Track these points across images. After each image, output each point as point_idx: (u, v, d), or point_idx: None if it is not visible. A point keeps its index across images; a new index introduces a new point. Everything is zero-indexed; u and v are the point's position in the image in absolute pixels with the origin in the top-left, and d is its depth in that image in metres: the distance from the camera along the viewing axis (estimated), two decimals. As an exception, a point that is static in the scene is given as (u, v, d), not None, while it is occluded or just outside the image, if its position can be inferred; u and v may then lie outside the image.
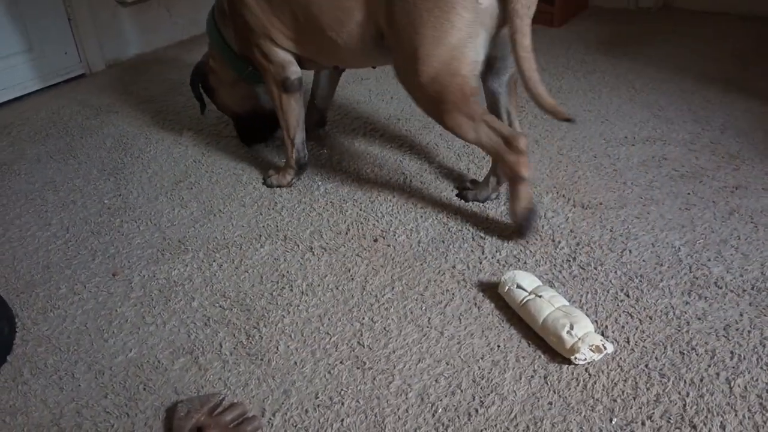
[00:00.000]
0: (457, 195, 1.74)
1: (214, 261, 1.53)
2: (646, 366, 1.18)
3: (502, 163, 1.49)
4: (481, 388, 1.16)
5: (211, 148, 2.07)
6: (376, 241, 1.58)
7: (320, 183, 1.84)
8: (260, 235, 1.62)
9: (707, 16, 3.05)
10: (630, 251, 1.49)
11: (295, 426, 1.11)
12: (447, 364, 1.22)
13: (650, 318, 1.29)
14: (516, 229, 1.54)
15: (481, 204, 1.70)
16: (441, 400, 1.14)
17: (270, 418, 1.13)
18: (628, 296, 1.36)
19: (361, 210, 1.70)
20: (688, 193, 1.69)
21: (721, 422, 1.07)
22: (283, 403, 1.15)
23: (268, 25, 1.64)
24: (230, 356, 1.26)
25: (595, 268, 1.44)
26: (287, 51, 1.69)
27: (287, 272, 1.49)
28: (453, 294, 1.39)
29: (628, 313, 1.31)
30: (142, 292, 1.44)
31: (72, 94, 2.57)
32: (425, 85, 1.44)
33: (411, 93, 1.52)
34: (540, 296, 1.28)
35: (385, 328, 1.31)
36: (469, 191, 1.73)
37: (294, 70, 1.72)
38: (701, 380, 1.15)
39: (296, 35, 1.64)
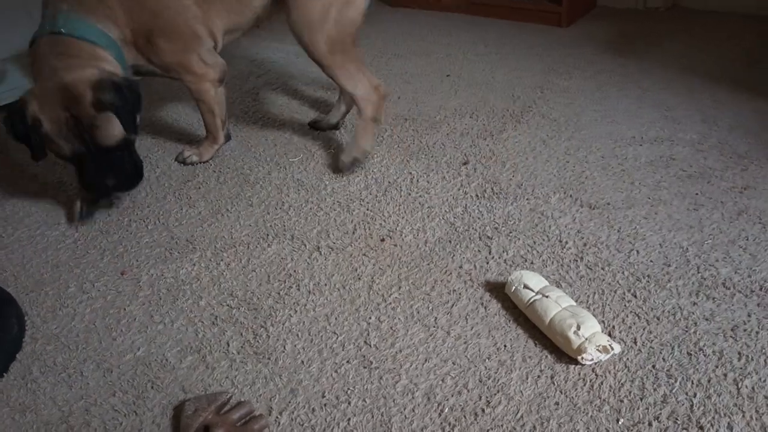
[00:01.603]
0: (310, 126, 2.11)
1: (221, 260, 1.54)
2: (654, 366, 1.18)
3: (367, 104, 1.81)
4: (487, 387, 1.16)
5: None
6: (383, 240, 1.58)
7: (327, 182, 1.84)
8: (267, 235, 1.62)
9: (716, 15, 3.04)
10: (637, 252, 1.48)
11: (302, 425, 1.11)
12: (453, 363, 1.22)
13: (658, 318, 1.29)
14: (342, 163, 1.85)
15: (488, 204, 1.70)
16: (447, 400, 1.14)
17: (277, 417, 1.13)
18: (635, 297, 1.35)
19: (368, 210, 1.71)
20: (696, 194, 1.68)
21: (729, 423, 1.07)
22: (290, 402, 1.16)
23: (210, 24, 1.69)
24: (237, 355, 1.27)
25: (603, 269, 1.44)
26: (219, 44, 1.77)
27: (294, 271, 1.49)
28: (460, 294, 1.39)
29: (635, 313, 1.31)
30: (150, 290, 1.45)
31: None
32: (326, 34, 1.72)
33: (310, 43, 1.75)
34: (547, 296, 1.28)
35: (391, 328, 1.31)
36: (321, 121, 2.10)
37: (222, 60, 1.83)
38: (709, 381, 1.14)
39: (228, 21, 1.75)
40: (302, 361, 1.24)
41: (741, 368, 1.17)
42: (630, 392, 1.13)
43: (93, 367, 1.26)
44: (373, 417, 1.12)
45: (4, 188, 1.88)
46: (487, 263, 1.48)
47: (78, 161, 1.56)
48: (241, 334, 1.32)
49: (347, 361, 1.24)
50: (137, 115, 1.59)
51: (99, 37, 1.57)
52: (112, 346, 1.30)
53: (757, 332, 1.24)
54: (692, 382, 1.14)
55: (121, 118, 1.52)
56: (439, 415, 1.12)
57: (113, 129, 1.52)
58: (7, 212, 1.76)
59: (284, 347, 1.28)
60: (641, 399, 1.12)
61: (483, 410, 1.12)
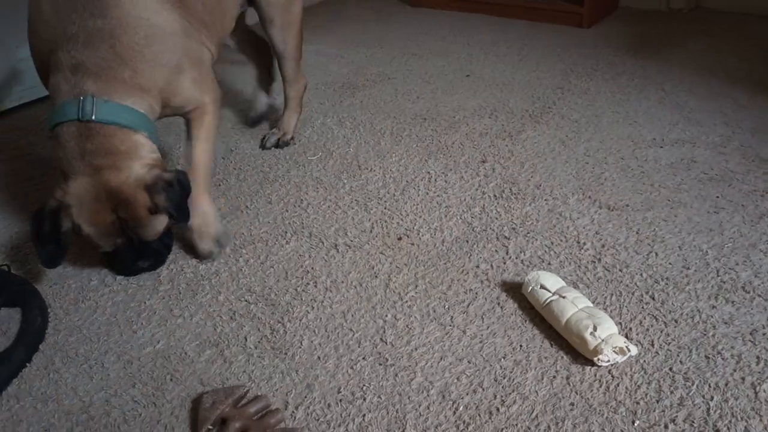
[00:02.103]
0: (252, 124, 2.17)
1: (240, 256, 1.55)
2: (671, 369, 1.18)
3: (301, 93, 2.07)
4: (502, 387, 1.17)
5: (238, 145, 2.10)
6: (400, 239, 1.59)
7: (345, 181, 1.85)
8: (286, 232, 1.64)
9: (740, 17, 3.00)
10: (656, 254, 1.48)
11: (318, 420, 1.12)
12: (469, 362, 1.22)
13: (675, 321, 1.28)
14: (268, 143, 2.04)
15: (506, 204, 1.70)
16: (462, 398, 1.15)
17: (293, 412, 1.14)
18: (653, 299, 1.35)
19: (385, 208, 1.71)
20: (717, 197, 1.67)
21: (746, 427, 1.06)
22: (306, 397, 1.17)
23: (208, 41, 1.58)
24: (255, 350, 1.28)
25: (621, 270, 1.43)
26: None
27: (312, 269, 1.50)
28: (476, 293, 1.40)
29: (653, 315, 1.30)
30: (170, 285, 1.47)
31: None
32: (296, 29, 1.91)
33: (286, 39, 1.89)
34: (563, 297, 1.28)
35: (407, 326, 1.32)
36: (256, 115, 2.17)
37: None
38: (726, 384, 1.14)
39: (217, 33, 1.67)
40: (318, 357, 1.25)
41: (759, 372, 1.16)
42: (646, 394, 1.13)
43: (114, 359, 1.28)
44: (388, 413, 1.13)
45: (30, 185, 1.92)
46: (504, 263, 1.48)
47: (113, 251, 1.43)
48: (259, 329, 1.33)
49: (363, 358, 1.25)
50: (187, 203, 1.43)
51: (134, 120, 1.36)
52: (133, 339, 1.32)
53: (777, 337, 1.23)
54: (709, 386, 1.14)
55: (173, 216, 1.38)
56: (454, 413, 1.12)
57: (160, 225, 1.40)
58: (32, 207, 1.79)
59: (301, 343, 1.29)
60: (657, 401, 1.12)
61: (498, 409, 1.12)
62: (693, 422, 1.07)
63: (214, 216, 1.57)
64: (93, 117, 1.31)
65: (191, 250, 1.56)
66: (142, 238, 1.40)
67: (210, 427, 1.10)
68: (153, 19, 1.40)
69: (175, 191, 1.36)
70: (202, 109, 1.54)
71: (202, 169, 1.56)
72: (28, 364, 1.27)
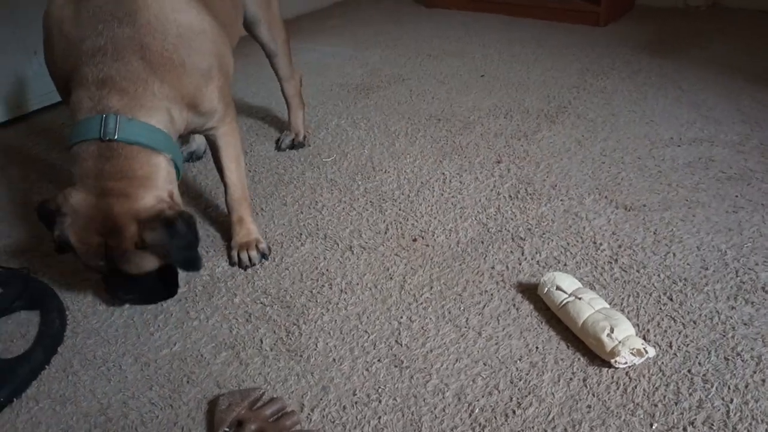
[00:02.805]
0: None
1: (255, 258, 1.56)
2: (689, 371, 1.16)
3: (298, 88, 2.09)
4: (518, 389, 1.16)
5: (253, 147, 2.11)
6: (415, 240, 1.59)
7: (360, 182, 1.85)
8: (301, 234, 1.64)
9: (757, 14, 2.97)
10: (674, 254, 1.46)
11: (333, 422, 1.12)
12: (484, 364, 1.22)
13: (694, 322, 1.27)
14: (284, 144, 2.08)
15: (522, 205, 1.69)
16: (478, 401, 1.14)
17: (308, 414, 1.14)
18: (671, 300, 1.33)
19: (400, 210, 1.71)
20: (736, 196, 1.65)
21: (766, 429, 1.04)
22: (321, 399, 1.17)
23: (227, 51, 1.51)
24: (270, 352, 1.28)
25: (638, 271, 1.42)
26: None
27: (327, 270, 1.50)
28: (491, 295, 1.39)
29: (670, 317, 1.29)
30: (186, 288, 1.48)
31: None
32: (274, 13, 1.92)
33: (277, 35, 1.94)
34: (580, 298, 1.27)
35: (422, 328, 1.31)
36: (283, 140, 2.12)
37: None
38: (746, 386, 1.12)
39: (233, 39, 1.63)
40: (334, 359, 1.25)
41: (780, 374, 1.14)
42: (664, 396, 1.12)
43: (131, 361, 1.29)
44: (403, 416, 1.12)
45: (50, 185, 1.94)
46: (520, 264, 1.48)
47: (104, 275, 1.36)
48: (274, 332, 1.33)
49: (378, 360, 1.24)
50: (194, 250, 1.35)
51: (158, 141, 1.29)
52: (150, 341, 1.33)
53: (798, 338, 1.21)
54: (729, 388, 1.12)
55: (170, 256, 1.30)
56: (470, 415, 1.12)
57: (146, 264, 1.30)
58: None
59: (316, 345, 1.29)
60: (676, 404, 1.10)
61: (514, 411, 1.12)
62: (712, 425, 1.06)
63: (257, 233, 1.60)
64: (116, 137, 1.24)
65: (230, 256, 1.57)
66: (125, 270, 1.30)
67: (226, 429, 1.11)
68: (181, 18, 1.35)
69: (175, 230, 1.27)
70: (226, 130, 1.51)
71: (240, 191, 1.58)
72: (46, 366, 1.28)
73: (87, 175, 1.26)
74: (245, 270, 1.53)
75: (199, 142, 2.06)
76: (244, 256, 1.54)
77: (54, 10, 1.34)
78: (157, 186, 1.29)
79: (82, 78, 1.28)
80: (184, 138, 2.08)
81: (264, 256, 1.56)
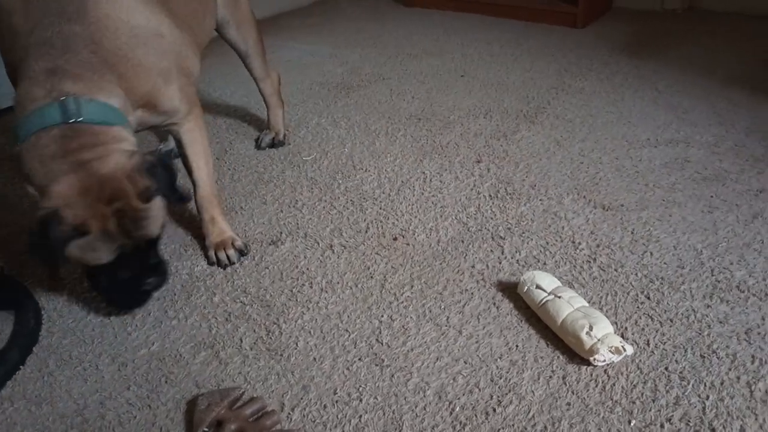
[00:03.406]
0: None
1: (235, 257, 1.55)
2: (666, 369, 1.18)
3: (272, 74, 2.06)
4: (499, 387, 1.17)
5: (233, 146, 2.09)
6: (395, 239, 1.59)
7: (340, 181, 1.85)
8: (281, 232, 1.63)
9: (734, 17, 3.02)
10: (651, 253, 1.48)
11: (314, 421, 1.12)
12: (465, 362, 1.22)
13: (671, 321, 1.29)
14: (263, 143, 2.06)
15: (501, 204, 1.70)
16: (459, 399, 1.15)
17: (289, 413, 1.14)
18: (648, 298, 1.35)
19: (380, 209, 1.71)
20: (711, 196, 1.67)
21: (741, 426, 1.06)
22: (302, 399, 1.16)
23: (192, 49, 1.51)
24: (250, 351, 1.28)
25: (616, 270, 1.43)
26: None
27: (307, 269, 1.50)
28: (472, 293, 1.40)
29: (648, 315, 1.30)
30: (165, 286, 1.46)
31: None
32: (244, 12, 1.89)
33: (243, 35, 1.90)
34: (559, 297, 1.28)
35: (403, 326, 1.32)
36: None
37: None
38: (722, 383, 1.14)
39: (199, 43, 1.61)
40: (314, 358, 1.25)
41: (754, 371, 1.16)
42: (642, 394, 1.13)
43: (108, 361, 1.27)
44: (384, 414, 1.13)
45: (23, 187, 1.90)
46: (500, 263, 1.48)
47: (109, 268, 1.27)
48: (254, 331, 1.33)
49: (359, 359, 1.24)
50: (176, 185, 1.34)
51: (115, 117, 1.27)
52: (127, 341, 1.32)
53: (772, 336, 1.23)
54: (705, 385, 1.14)
55: (165, 197, 1.29)
56: (450, 413, 1.12)
57: (160, 215, 1.29)
58: (26, 207, 1.78)
59: (297, 344, 1.29)
60: (653, 401, 1.12)
61: (494, 409, 1.12)
62: (689, 421, 1.08)
63: (230, 230, 1.58)
64: (81, 117, 1.20)
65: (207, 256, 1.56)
66: (148, 233, 1.27)
67: (206, 429, 1.10)
68: (134, 21, 1.32)
69: (160, 171, 1.27)
70: (191, 126, 1.48)
71: (209, 189, 1.55)
72: (21, 367, 1.26)
73: (52, 159, 1.19)
74: (224, 269, 1.52)
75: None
76: (222, 255, 1.53)
77: (2, 1, 1.31)
78: (128, 144, 1.27)
79: (28, 69, 1.23)
80: (163, 136, 2.06)
81: (242, 253, 1.55)
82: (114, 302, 1.39)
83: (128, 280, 1.31)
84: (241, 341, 1.30)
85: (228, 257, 1.53)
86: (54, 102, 1.20)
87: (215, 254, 1.53)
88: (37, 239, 1.17)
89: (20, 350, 1.28)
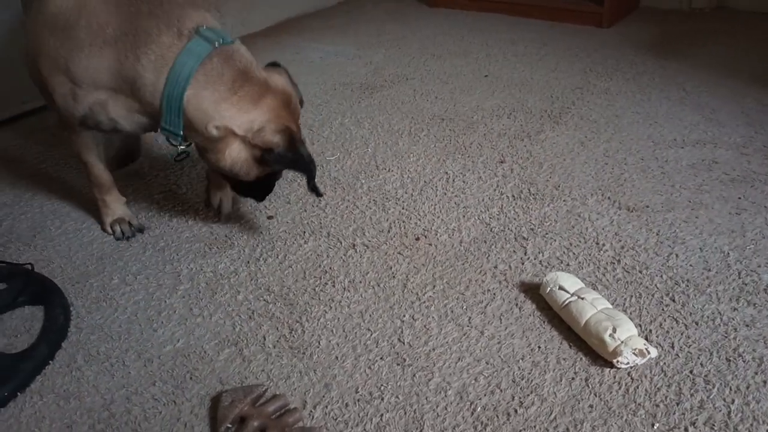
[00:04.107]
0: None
1: (259, 256, 1.56)
2: (691, 372, 1.17)
3: None
4: (520, 388, 1.16)
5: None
6: (417, 239, 1.59)
7: (363, 181, 1.86)
8: (304, 232, 1.65)
9: (762, 16, 2.97)
10: (677, 255, 1.46)
11: (335, 419, 1.13)
12: (487, 363, 1.22)
13: (696, 323, 1.27)
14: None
15: (525, 205, 1.69)
16: (480, 399, 1.15)
17: (311, 411, 1.15)
18: (673, 301, 1.33)
19: (403, 209, 1.72)
20: (739, 198, 1.65)
21: (767, 431, 1.05)
22: (324, 397, 1.17)
23: None
24: (273, 349, 1.29)
25: (640, 272, 1.42)
26: None
27: (330, 268, 1.51)
28: (494, 294, 1.39)
29: (673, 317, 1.29)
30: (190, 284, 1.48)
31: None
32: None
33: None
34: (582, 298, 1.27)
35: (425, 326, 1.32)
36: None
37: None
38: (747, 387, 1.12)
39: None
40: (336, 357, 1.26)
41: (782, 376, 1.14)
42: (666, 397, 1.12)
43: (134, 357, 1.29)
44: (405, 414, 1.13)
45: (52, 182, 1.94)
46: (523, 264, 1.48)
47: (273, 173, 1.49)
48: (277, 329, 1.34)
49: (381, 358, 1.25)
50: None
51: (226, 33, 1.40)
52: (153, 337, 1.34)
53: (800, 340, 1.21)
54: (730, 389, 1.13)
55: None
56: (472, 414, 1.12)
57: None
58: (54, 206, 1.82)
59: (319, 342, 1.30)
60: (677, 404, 1.11)
61: (516, 411, 1.12)
62: (713, 425, 1.06)
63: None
64: (222, 40, 1.32)
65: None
66: (305, 147, 1.44)
67: (229, 425, 1.11)
68: None
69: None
70: None
71: None
72: (50, 362, 1.29)
73: (236, 85, 1.32)
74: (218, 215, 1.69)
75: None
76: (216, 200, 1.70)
77: None
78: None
79: (141, 37, 1.30)
80: None
81: (235, 202, 1.72)
82: (259, 196, 1.59)
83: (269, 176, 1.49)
84: (265, 339, 1.31)
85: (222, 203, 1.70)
86: (193, 39, 1.30)
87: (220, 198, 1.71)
88: (287, 154, 1.36)
89: (49, 346, 1.31)
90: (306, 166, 1.41)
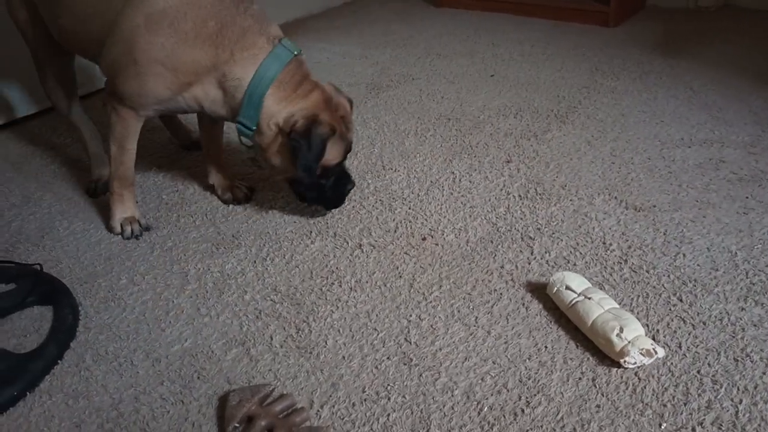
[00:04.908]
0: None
1: (266, 256, 1.57)
2: (698, 372, 1.16)
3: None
4: (527, 388, 1.16)
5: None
6: (424, 239, 1.59)
7: (370, 181, 1.86)
8: (311, 232, 1.65)
9: (771, 14, 2.95)
10: (684, 255, 1.46)
11: (342, 419, 1.13)
12: (493, 363, 1.22)
13: (704, 323, 1.27)
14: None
15: (531, 205, 1.69)
16: (487, 399, 1.15)
17: (318, 410, 1.15)
18: (681, 300, 1.33)
19: (410, 208, 1.72)
20: (747, 197, 1.64)
21: (776, 431, 1.04)
22: (330, 396, 1.18)
23: None
24: (280, 349, 1.29)
25: (647, 272, 1.42)
26: None
27: (336, 268, 1.51)
28: (501, 294, 1.39)
29: (680, 317, 1.29)
30: (197, 284, 1.49)
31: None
32: None
33: None
34: (589, 298, 1.27)
35: (432, 326, 1.32)
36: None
37: None
38: (755, 387, 1.12)
39: None
40: (343, 357, 1.26)
41: (790, 376, 1.14)
42: (674, 397, 1.12)
43: (142, 357, 1.30)
44: (412, 413, 1.13)
45: (60, 183, 1.95)
46: (529, 264, 1.48)
47: (332, 171, 1.60)
48: (284, 329, 1.34)
49: (387, 358, 1.25)
50: None
51: None
52: (161, 337, 1.35)
53: (808, 340, 1.21)
54: (738, 389, 1.12)
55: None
56: (478, 413, 1.12)
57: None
58: (63, 206, 1.83)
59: (326, 342, 1.30)
60: (685, 404, 1.10)
61: (523, 410, 1.12)
62: (721, 425, 1.06)
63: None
64: (295, 52, 1.53)
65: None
66: (352, 139, 1.62)
67: (236, 424, 1.12)
68: None
69: None
70: None
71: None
72: (59, 361, 1.30)
73: (295, 86, 1.52)
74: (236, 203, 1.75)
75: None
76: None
77: None
78: None
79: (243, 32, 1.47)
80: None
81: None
82: (324, 204, 1.69)
83: (335, 184, 1.62)
84: (272, 339, 1.32)
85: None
86: (277, 46, 1.50)
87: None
88: (302, 140, 1.48)
89: (58, 345, 1.32)
90: (304, 150, 1.50)
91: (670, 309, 1.31)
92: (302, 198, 1.66)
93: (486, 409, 1.13)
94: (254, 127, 1.53)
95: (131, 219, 1.68)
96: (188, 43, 1.44)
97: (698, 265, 1.43)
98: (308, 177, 1.54)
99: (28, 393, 1.22)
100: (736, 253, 1.45)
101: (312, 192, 1.62)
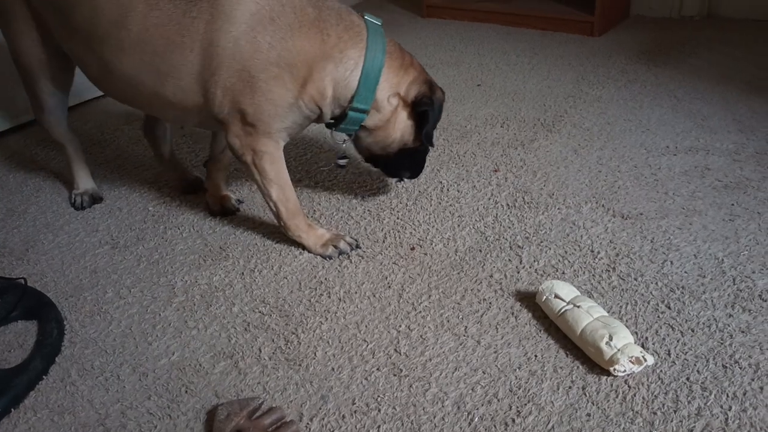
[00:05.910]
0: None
1: (254, 267, 1.56)
2: (688, 379, 1.17)
3: None
4: (517, 397, 1.16)
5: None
6: (413, 249, 1.59)
7: (358, 191, 1.86)
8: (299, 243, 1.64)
9: (753, 24, 2.99)
10: (671, 262, 1.47)
11: (332, 431, 1.12)
12: (483, 373, 1.22)
13: (692, 330, 1.27)
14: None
15: (519, 213, 1.69)
16: (477, 409, 1.14)
17: (308, 423, 1.14)
18: (669, 308, 1.34)
19: (398, 218, 1.72)
20: (732, 204, 1.66)
21: (766, 438, 1.05)
22: (320, 409, 1.17)
23: None
24: (269, 361, 1.28)
25: (635, 279, 1.42)
26: None
27: (325, 279, 1.50)
28: (490, 303, 1.39)
29: (669, 324, 1.29)
30: (185, 297, 1.48)
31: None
32: None
33: None
34: (578, 306, 1.27)
35: (421, 336, 1.32)
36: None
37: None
38: (744, 394, 1.12)
39: None
40: (333, 368, 1.25)
41: (778, 382, 1.14)
42: (663, 404, 1.12)
43: (129, 371, 1.28)
44: (402, 425, 1.12)
45: (44, 196, 1.94)
46: (518, 273, 1.48)
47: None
48: (273, 341, 1.33)
49: (377, 369, 1.24)
50: None
51: None
52: (148, 351, 1.33)
53: (796, 345, 1.21)
54: (727, 395, 1.13)
55: None
56: (469, 424, 1.12)
57: None
58: (48, 219, 1.81)
59: (315, 354, 1.29)
60: (675, 411, 1.11)
61: (513, 420, 1.12)
62: (711, 433, 1.06)
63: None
64: (379, 21, 1.53)
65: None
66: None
67: (225, 438, 1.10)
68: None
69: None
70: None
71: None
72: (44, 376, 1.28)
73: (410, 65, 1.56)
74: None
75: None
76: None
77: None
78: None
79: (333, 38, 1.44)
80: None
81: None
82: (418, 172, 1.72)
83: (421, 153, 1.67)
84: (260, 351, 1.31)
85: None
86: (367, 20, 1.49)
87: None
88: (432, 106, 1.55)
89: (43, 360, 1.30)
90: (440, 112, 1.59)
91: (658, 316, 1.32)
92: (395, 173, 1.72)
93: (476, 419, 1.12)
94: (368, 108, 1.50)
95: (333, 239, 1.60)
96: (294, 34, 1.39)
97: (685, 272, 1.43)
98: (431, 142, 1.60)
99: (12, 409, 1.20)
100: (722, 259, 1.46)
101: (416, 161, 1.68)
